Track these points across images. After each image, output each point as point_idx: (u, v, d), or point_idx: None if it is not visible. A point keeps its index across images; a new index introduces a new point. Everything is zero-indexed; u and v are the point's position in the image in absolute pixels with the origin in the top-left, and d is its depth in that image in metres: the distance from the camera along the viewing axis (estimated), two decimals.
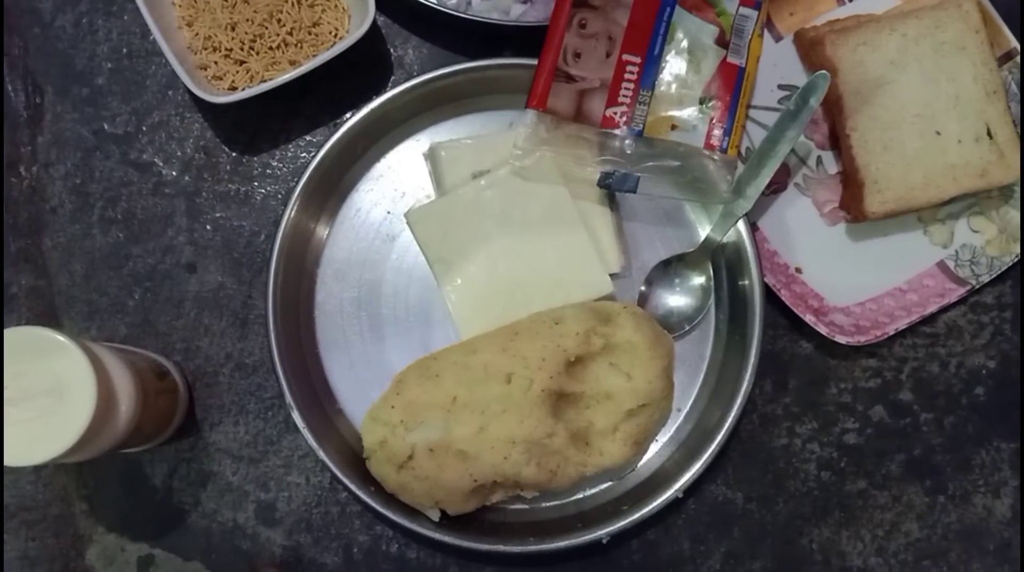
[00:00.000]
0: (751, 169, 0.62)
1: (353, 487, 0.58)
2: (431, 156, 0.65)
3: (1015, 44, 0.66)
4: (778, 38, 0.69)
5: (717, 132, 0.63)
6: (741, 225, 0.63)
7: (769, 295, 0.63)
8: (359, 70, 0.67)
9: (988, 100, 0.64)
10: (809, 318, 0.64)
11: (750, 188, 0.62)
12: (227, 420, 0.64)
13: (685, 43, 0.63)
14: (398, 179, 0.66)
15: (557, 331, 0.59)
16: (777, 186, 0.67)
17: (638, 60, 0.62)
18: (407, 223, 0.64)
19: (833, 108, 0.66)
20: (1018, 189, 0.66)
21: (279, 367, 0.59)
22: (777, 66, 0.68)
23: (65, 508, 0.63)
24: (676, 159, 0.63)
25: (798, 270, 0.66)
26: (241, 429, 0.63)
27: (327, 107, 0.67)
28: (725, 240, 0.64)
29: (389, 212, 0.66)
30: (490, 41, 0.67)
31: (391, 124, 0.66)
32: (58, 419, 0.50)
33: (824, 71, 0.61)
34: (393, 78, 0.68)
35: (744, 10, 0.63)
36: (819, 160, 0.68)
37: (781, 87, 0.68)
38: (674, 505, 0.61)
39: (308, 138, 0.67)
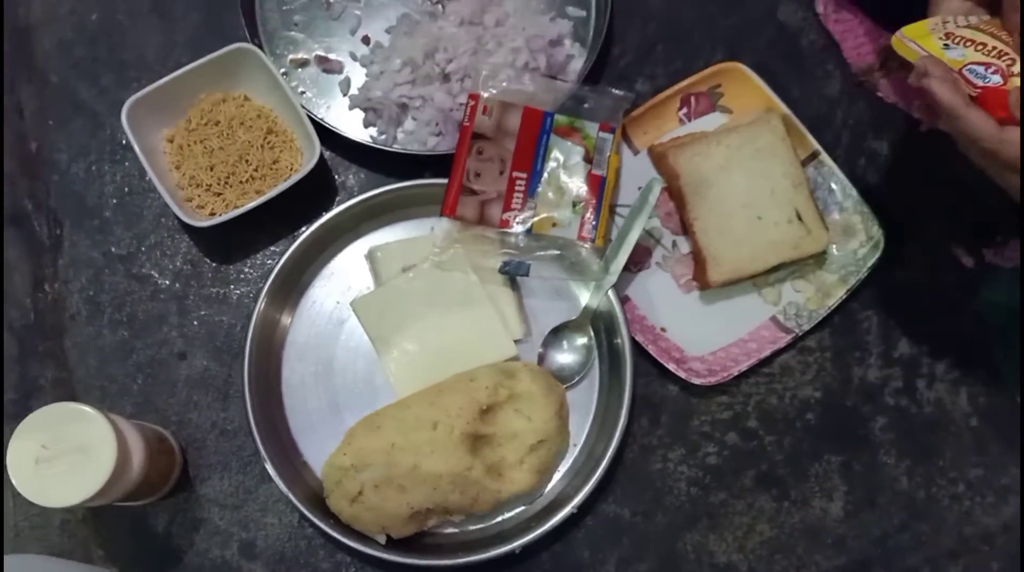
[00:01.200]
0: (613, 252, 0.81)
1: (317, 521, 0.74)
2: (370, 256, 0.83)
3: (816, 147, 0.87)
4: (636, 152, 0.88)
5: (587, 227, 0.81)
6: (611, 296, 0.81)
7: (640, 350, 0.82)
8: (311, 193, 0.85)
9: (795, 191, 0.84)
10: (672, 366, 0.81)
11: (612, 266, 0.81)
12: (214, 476, 0.79)
13: (560, 161, 0.82)
14: (345, 276, 0.84)
15: (472, 387, 0.76)
16: (641, 264, 0.86)
17: (525, 175, 0.82)
18: (353, 310, 0.82)
19: (679, 203, 0.85)
20: (830, 256, 0.86)
21: (255, 430, 0.76)
22: (636, 173, 0.88)
23: (86, 554, 0.78)
24: (557, 249, 0.82)
25: (662, 329, 0.84)
26: (226, 482, 0.79)
27: (287, 223, 0.85)
28: (600, 308, 0.82)
29: (338, 302, 0.83)
30: (414, 166, 0.86)
31: (338, 233, 0.84)
32: (86, 470, 0.66)
33: (660, 176, 0.81)
34: (338, 198, 0.86)
35: (603, 134, 0.83)
36: (674, 243, 0.87)
37: (640, 189, 0.88)
38: (574, 521, 0.78)
39: (272, 248, 0.85)
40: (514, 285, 0.84)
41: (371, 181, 0.87)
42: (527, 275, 0.81)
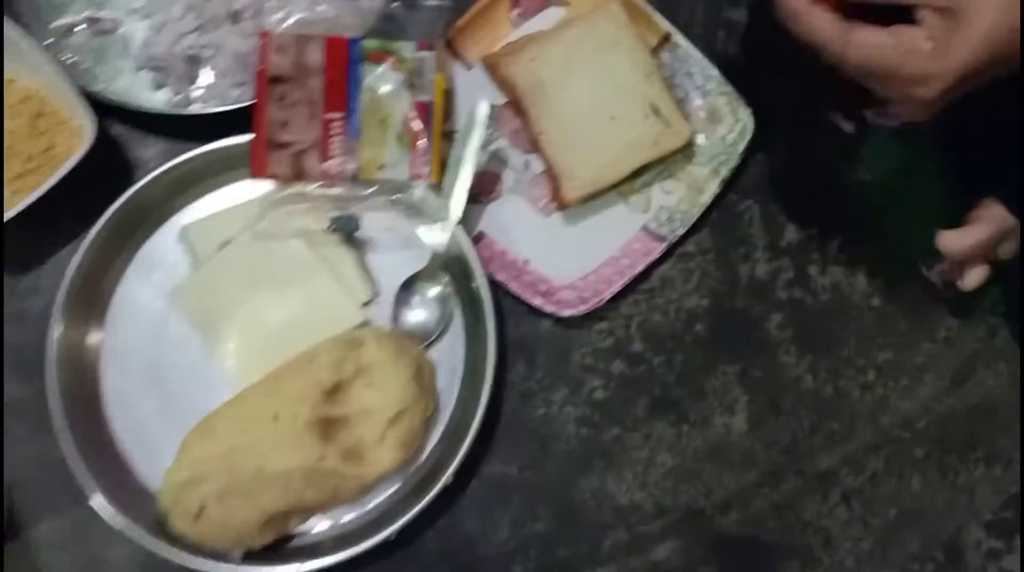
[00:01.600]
0: (449, 186, 0.72)
1: (160, 552, 0.65)
2: (184, 237, 0.73)
3: (667, 28, 0.77)
4: (470, 67, 0.78)
5: (419, 162, 0.72)
6: (460, 234, 0.72)
7: (504, 289, 0.73)
8: (106, 178, 0.74)
9: (647, 82, 0.74)
10: (537, 302, 0.73)
11: (452, 202, 0.71)
12: (46, 515, 0.70)
13: (376, 91, 0.72)
14: (161, 263, 0.74)
15: (312, 367, 0.68)
16: (493, 193, 0.77)
17: (340, 116, 0.71)
18: (173, 302, 0.72)
19: (523, 118, 0.75)
20: (698, 147, 0.77)
21: (71, 461, 0.66)
22: (474, 91, 0.78)
23: None
24: (390, 193, 0.72)
25: (526, 262, 0.76)
26: (59, 521, 0.70)
27: (84, 218, 0.73)
28: (451, 250, 0.73)
29: (157, 295, 0.73)
30: (220, 126, 0.75)
31: (143, 216, 0.73)
32: None
33: (490, 98, 0.71)
34: (136, 177, 0.75)
35: (421, 54, 0.72)
36: (526, 163, 0.77)
37: None
38: (458, 489, 0.70)
39: (72, 247, 0.74)
40: (352, 242, 0.74)
41: (174, 151, 0.75)
42: (358, 229, 0.72)
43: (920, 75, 0.52)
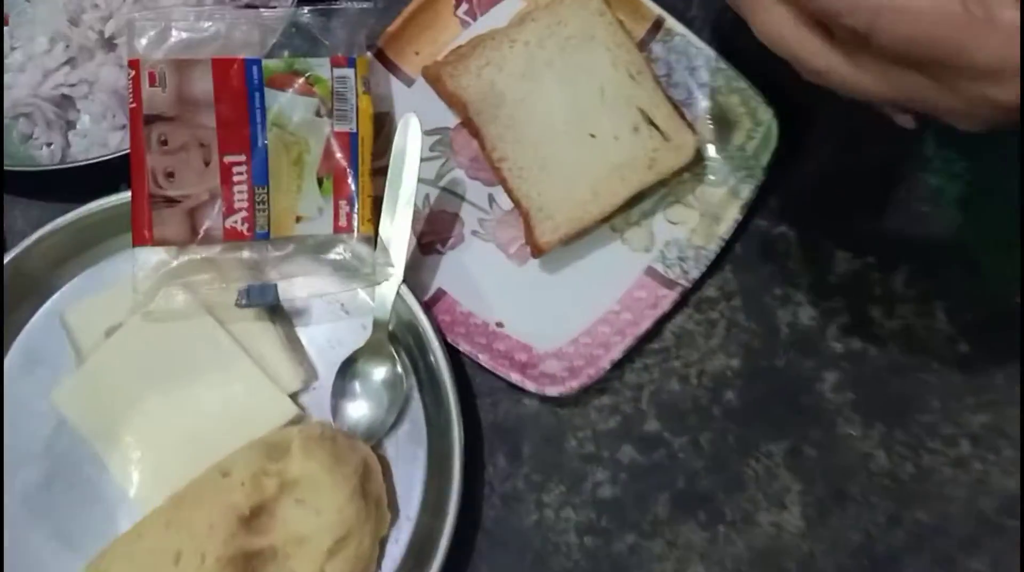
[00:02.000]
0: (387, 235, 0.56)
1: None
2: (64, 324, 0.59)
3: (657, 12, 0.60)
4: (410, 82, 0.62)
5: (344, 211, 0.56)
6: (409, 297, 0.56)
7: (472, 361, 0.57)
8: None
9: (635, 83, 0.57)
10: (515, 377, 0.57)
11: (391, 255, 0.55)
12: None
13: (287, 124, 0.56)
14: (42, 357, 0.59)
15: (224, 485, 0.52)
16: (452, 240, 0.60)
17: (243, 158, 0.56)
18: (56, 406, 0.57)
19: (480, 141, 0.59)
20: (710, 163, 0.60)
21: None
22: (418, 112, 0.61)
23: None
24: (314, 251, 0.56)
25: (499, 325, 0.59)
26: None
27: None
28: (401, 316, 0.57)
29: (41, 396, 0.58)
30: (106, 180, 0.60)
31: (17, 298, 0.59)
32: None
33: (411, 114, 0.55)
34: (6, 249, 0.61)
35: (339, 71, 0.57)
36: (491, 198, 0.61)
37: (429, 133, 0.61)
38: None
39: None
40: (275, 315, 0.58)
41: (51, 215, 0.61)
42: (276, 301, 0.56)
43: (994, 63, 0.35)
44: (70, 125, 0.61)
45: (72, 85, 0.60)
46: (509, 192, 0.58)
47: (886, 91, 0.38)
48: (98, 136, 0.60)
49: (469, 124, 0.58)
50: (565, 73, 0.57)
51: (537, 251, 0.57)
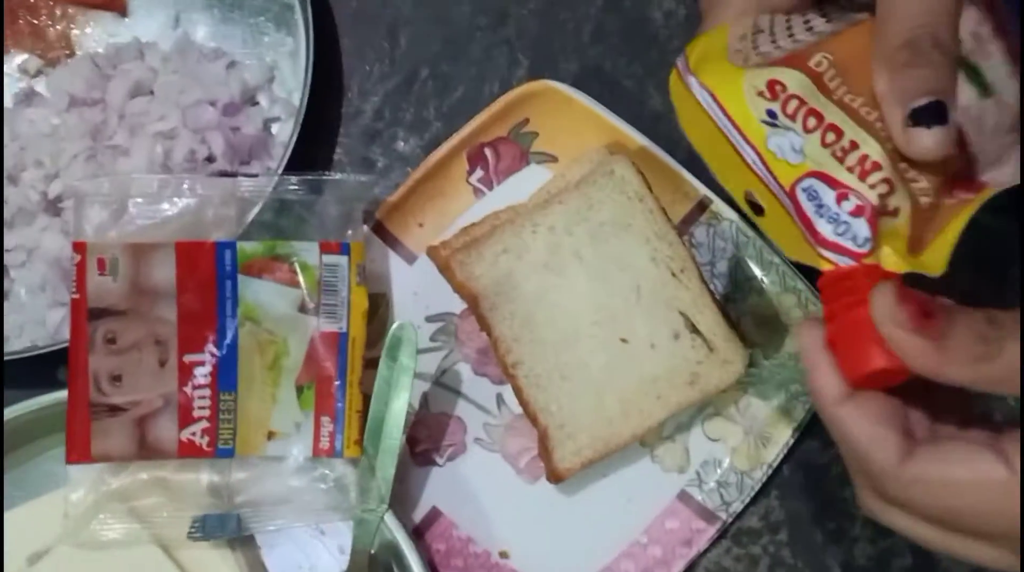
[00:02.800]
0: (371, 455, 0.47)
1: None
2: None
3: (703, 191, 0.52)
4: (411, 259, 0.53)
5: (327, 430, 0.47)
6: (392, 524, 0.47)
7: None
8: None
9: (678, 282, 0.49)
10: None
11: (375, 480, 0.46)
12: None
13: (262, 321, 0.47)
14: None
15: None
16: (453, 448, 0.51)
17: (208, 358, 0.47)
18: None
19: (492, 339, 0.50)
20: (757, 371, 0.51)
21: None
22: (419, 295, 0.53)
23: None
24: (283, 477, 0.47)
25: (503, 555, 0.50)
26: None
27: None
28: (385, 541, 0.48)
29: None
30: (40, 371, 0.50)
31: None
32: None
33: (406, 322, 0.46)
34: None
35: (329, 259, 0.48)
36: (499, 399, 0.52)
37: (431, 320, 0.53)
38: None
39: None
40: (237, 542, 0.49)
41: None
42: (237, 534, 0.47)
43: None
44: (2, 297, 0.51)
45: (7, 251, 0.50)
46: (524, 405, 0.49)
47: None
48: (34, 313, 0.50)
49: (480, 319, 0.50)
50: (595, 266, 0.49)
51: (555, 477, 0.48)
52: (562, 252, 0.49)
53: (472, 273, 0.49)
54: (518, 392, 0.49)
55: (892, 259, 0.33)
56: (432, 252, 0.51)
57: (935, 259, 0.33)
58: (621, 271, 0.49)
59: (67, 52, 0.55)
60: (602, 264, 0.49)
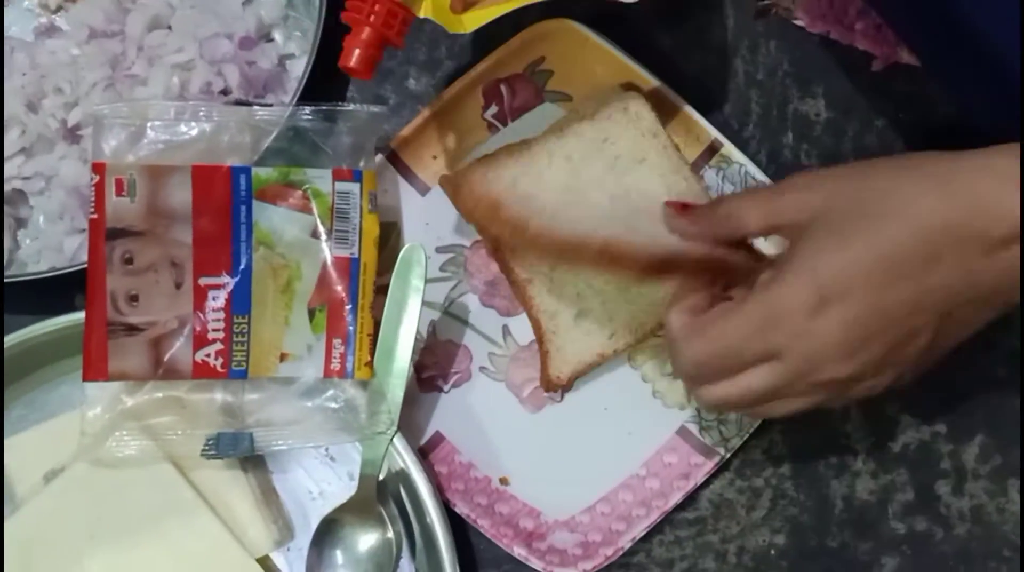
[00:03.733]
0: (381, 377, 0.48)
1: None
2: None
3: (713, 134, 0.52)
4: (424, 190, 0.54)
5: (338, 352, 0.48)
6: (401, 448, 0.48)
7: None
8: None
9: None
10: (519, 551, 0.49)
11: (385, 403, 0.47)
12: None
13: (276, 245, 0.48)
14: None
15: None
16: (456, 376, 0.52)
17: (222, 282, 0.48)
18: None
19: (502, 263, 0.51)
20: None
21: None
22: (430, 226, 0.54)
23: None
24: (295, 398, 0.48)
25: (503, 481, 0.51)
26: None
27: None
28: (393, 468, 0.49)
29: None
30: (60, 292, 0.52)
31: None
32: None
33: (415, 245, 0.47)
34: None
35: (342, 186, 0.49)
36: (505, 331, 0.53)
37: (441, 250, 0.54)
38: None
39: None
40: (248, 461, 0.50)
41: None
42: (250, 453, 0.48)
43: None
44: (20, 223, 0.52)
45: (26, 178, 0.51)
46: (532, 319, 0.49)
47: None
48: (52, 239, 0.51)
49: (492, 243, 0.50)
50: (615, 193, 0.49)
51: (548, 385, 0.49)
52: (580, 180, 0.50)
53: (491, 190, 0.49)
54: (528, 308, 0.50)
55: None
56: (444, 181, 0.51)
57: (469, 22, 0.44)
58: (640, 197, 0.49)
59: None
60: (623, 190, 0.49)
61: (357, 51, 0.43)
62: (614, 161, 0.50)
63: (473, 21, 0.45)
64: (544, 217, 0.47)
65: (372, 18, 0.42)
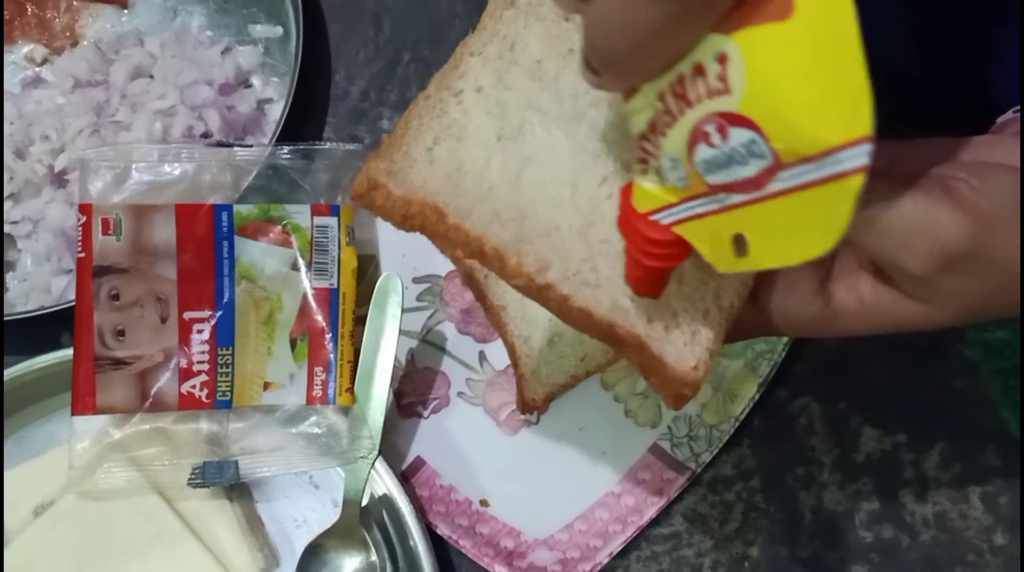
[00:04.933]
0: (362, 403, 0.49)
1: None
2: None
3: None
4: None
5: (319, 379, 0.49)
6: (383, 472, 0.49)
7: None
8: None
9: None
10: (500, 570, 0.50)
11: (366, 428, 0.49)
12: None
13: (258, 278, 0.50)
14: None
15: None
16: (437, 402, 0.54)
17: (206, 315, 0.49)
18: None
19: (476, 288, 0.53)
20: None
21: None
22: (406, 257, 0.56)
23: None
24: (278, 425, 0.49)
25: (483, 503, 0.52)
26: None
27: None
28: (376, 493, 0.50)
29: None
30: (47, 332, 0.53)
31: None
32: None
33: (391, 273, 0.49)
34: None
35: (320, 220, 0.51)
36: (481, 357, 0.55)
37: (418, 281, 0.56)
38: None
39: None
40: (233, 491, 0.51)
41: None
42: (236, 480, 0.49)
43: None
44: (8, 266, 0.54)
45: (14, 222, 0.53)
46: (507, 344, 0.51)
47: None
48: (40, 281, 0.53)
49: (465, 267, 0.52)
50: (562, 111, 0.34)
51: (525, 407, 0.51)
52: (510, 112, 0.34)
53: (412, 184, 0.31)
54: (503, 333, 0.51)
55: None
56: (356, 191, 0.32)
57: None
58: (593, 108, 0.34)
59: (71, 42, 0.58)
60: (570, 105, 0.34)
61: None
62: (537, 67, 0.35)
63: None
64: (500, 207, 0.32)
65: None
